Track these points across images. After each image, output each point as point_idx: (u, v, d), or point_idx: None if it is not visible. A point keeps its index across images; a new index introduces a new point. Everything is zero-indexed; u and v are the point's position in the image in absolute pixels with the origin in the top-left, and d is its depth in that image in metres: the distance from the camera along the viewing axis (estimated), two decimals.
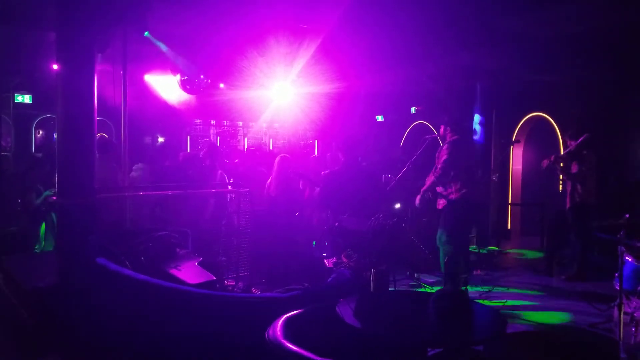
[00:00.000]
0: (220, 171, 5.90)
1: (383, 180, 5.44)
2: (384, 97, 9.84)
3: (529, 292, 5.45)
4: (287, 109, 9.47)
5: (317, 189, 5.72)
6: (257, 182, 6.02)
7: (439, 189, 5.06)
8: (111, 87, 5.38)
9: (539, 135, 8.68)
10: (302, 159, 8.63)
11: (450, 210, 5.01)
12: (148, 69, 8.02)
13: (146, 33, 5.80)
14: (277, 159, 5.92)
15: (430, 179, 4.96)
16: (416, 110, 9.73)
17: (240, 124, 10.44)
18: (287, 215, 5.54)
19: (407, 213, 6.06)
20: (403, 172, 5.30)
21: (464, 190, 4.93)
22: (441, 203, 5.09)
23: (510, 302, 4.96)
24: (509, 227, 8.74)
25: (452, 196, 4.99)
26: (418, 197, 5.07)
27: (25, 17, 5.89)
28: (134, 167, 5.96)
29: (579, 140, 5.81)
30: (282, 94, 9.16)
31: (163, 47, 6.74)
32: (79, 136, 3.82)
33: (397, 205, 6.19)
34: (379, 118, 10.50)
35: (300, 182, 5.90)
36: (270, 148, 10.55)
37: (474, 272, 6.06)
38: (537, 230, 7.82)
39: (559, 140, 8.19)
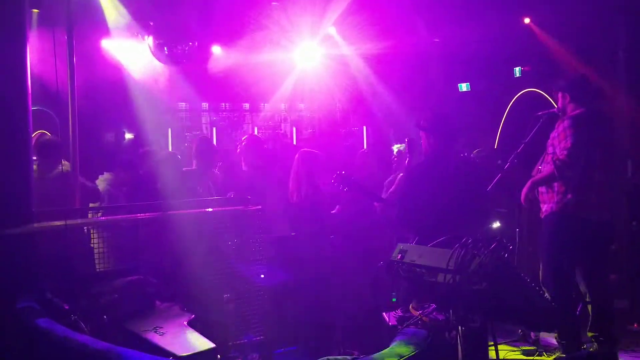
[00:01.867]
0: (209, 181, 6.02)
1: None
2: (469, 56, 9.71)
3: None
4: (317, 81, 9.50)
5: (379, 205, 5.69)
6: (273, 194, 6.07)
7: (541, 188, 4.97)
8: (53, 62, 5.52)
9: None
10: (343, 155, 8.60)
11: (547, 226, 4.94)
12: (106, 32, 8.21)
13: None
14: (297, 155, 5.94)
15: (547, 170, 4.87)
16: (522, 71, 9.52)
17: (246, 106, 10.54)
18: (317, 240, 5.54)
19: (516, 234, 5.94)
20: (507, 167, 5.20)
21: (568, 198, 4.77)
22: (543, 210, 5.02)
23: None
24: None
25: (550, 206, 4.89)
26: (524, 191, 5.00)
27: None
28: (98, 179, 6.10)
29: None
30: (308, 58, 9.18)
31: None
32: (4, 136, 3.92)
33: (496, 224, 6.06)
34: (463, 87, 10.35)
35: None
36: (294, 140, 10.60)
37: (633, 327, 5.94)
38: None
39: None
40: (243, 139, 6.96)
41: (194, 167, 6.40)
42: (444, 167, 4.77)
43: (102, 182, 6.20)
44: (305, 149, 6.15)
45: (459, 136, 5.23)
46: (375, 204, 5.62)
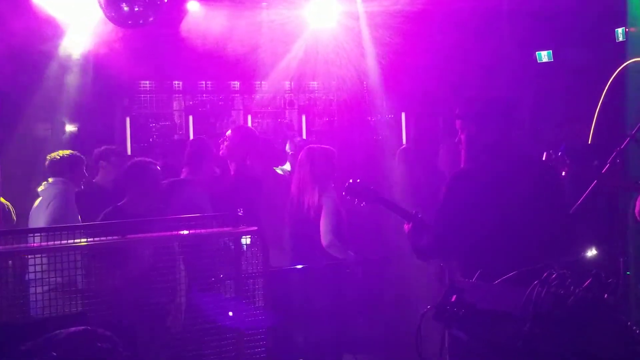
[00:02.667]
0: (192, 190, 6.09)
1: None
2: (552, 12, 9.68)
3: None
4: (336, 50, 9.49)
5: (408, 225, 5.68)
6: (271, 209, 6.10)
7: None
8: None
9: None
10: (371, 154, 8.62)
11: None
12: None
13: None
14: (302, 153, 6.00)
15: None
16: (627, 33, 9.47)
17: (236, 85, 10.56)
18: (331, 273, 5.61)
19: (619, 265, 5.92)
20: (606, 170, 5.18)
21: None
22: None
23: None
24: None
25: None
26: (638, 204, 4.99)
27: None
28: (41, 186, 6.15)
29: None
30: (323, 18, 9.19)
31: None
32: None
33: (591, 252, 6.04)
34: (543, 56, 10.33)
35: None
36: (303, 132, 10.61)
37: None
38: None
39: None
40: (228, 133, 6.98)
41: (183, 176, 6.48)
42: (499, 169, 4.74)
43: (48, 189, 6.29)
44: (314, 145, 6.18)
45: (516, 126, 5.16)
46: (406, 225, 5.59)
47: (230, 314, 5.04)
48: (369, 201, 5.49)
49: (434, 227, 4.97)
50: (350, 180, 5.52)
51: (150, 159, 6.09)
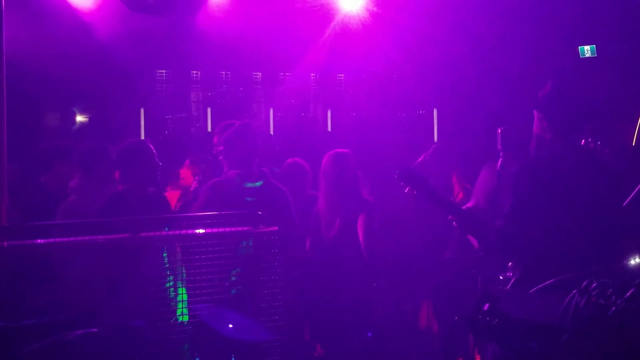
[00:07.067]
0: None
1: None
2: (597, 4, 9.61)
3: None
4: (365, 38, 9.45)
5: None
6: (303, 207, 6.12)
7: None
8: None
9: None
10: (401, 153, 8.60)
11: None
12: None
13: None
14: (326, 159, 6.11)
15: None
16: None
17: (257, 76, 10.55)
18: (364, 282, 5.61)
19: None
20: None
21: None
22: None
23: None
24: None
25: None
26: None
27: None
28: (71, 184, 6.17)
29: None
30: (352, 3, 9.15)
31: None
32: None
33: (636, 260, 6.00)
34: (586, 51, 10.28)
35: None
36: (328, 125, 10.61)
37: None
38: None
39: None
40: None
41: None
42: (564, 167, 4.71)
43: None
44: (337, 150, 6.19)
45: (585, 124, 5.12)
46: (454, 222, 5.58)
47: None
48: (420, 192, 5.47)
49: (500, 228, 4.95)
50: (404, 167, 5.53)
51: (142, 139, 5.97)
